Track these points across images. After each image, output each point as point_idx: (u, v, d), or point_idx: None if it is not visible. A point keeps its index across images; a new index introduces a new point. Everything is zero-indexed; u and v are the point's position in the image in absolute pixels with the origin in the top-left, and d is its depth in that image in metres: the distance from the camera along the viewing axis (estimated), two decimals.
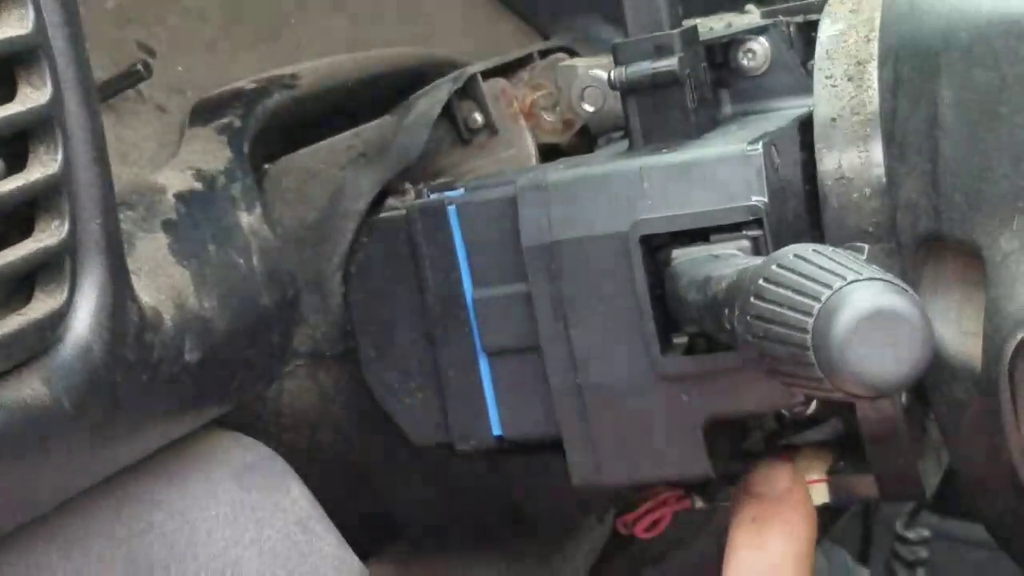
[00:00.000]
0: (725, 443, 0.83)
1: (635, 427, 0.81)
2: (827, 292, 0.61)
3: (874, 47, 0.81)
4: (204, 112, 0.90)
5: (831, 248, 0.65)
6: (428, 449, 0.90)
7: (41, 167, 0.68)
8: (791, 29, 0.89)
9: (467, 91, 0.95)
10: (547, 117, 0.96)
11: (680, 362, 0.79)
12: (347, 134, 0.94)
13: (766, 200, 0.76)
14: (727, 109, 0.90)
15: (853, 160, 0.80)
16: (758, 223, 0.76)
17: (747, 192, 0.77)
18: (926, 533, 1.59)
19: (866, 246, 0.77)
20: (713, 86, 0.88)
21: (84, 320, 0.70)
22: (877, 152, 0.80)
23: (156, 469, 0.81)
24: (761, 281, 0.64)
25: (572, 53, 1.06)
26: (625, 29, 0.84)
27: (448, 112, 0.94)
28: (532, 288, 0.82)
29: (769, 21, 0.89)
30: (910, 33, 0.79)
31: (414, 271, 0.86)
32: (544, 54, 1.02)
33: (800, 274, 0.62)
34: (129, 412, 0.73)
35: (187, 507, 0.81)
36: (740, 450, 0.86)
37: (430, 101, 0.93)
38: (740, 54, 0.89)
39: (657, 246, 0.79)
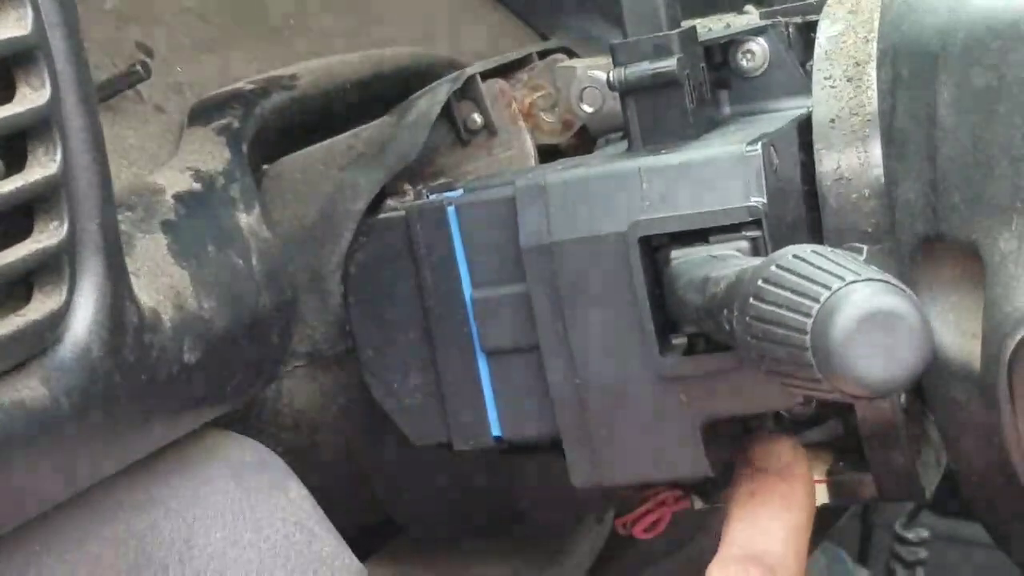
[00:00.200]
0: (724, 443, 0.83)
1: (634, 427, 0.81)
2: (826, 293, 0.61)
3: (873, 48, 0.81)
4: (203, 113, 0.90)
5: (830, 249, 0.65)
6: (427, 449, 0.90)
7: (40, 168, 0.67)
8: (790, 30, 0.89)
9: (466, 92, 0.94)
10: (546, 118, 0.96)
11: (679, 363, 0.79)
12: (346, 135, 0.94)
13: (765, 201, 0.76)
14: (726, 110, 0.90)
15: (852, 161, 0.80)
16: (757, 224, 0.76)
17: (746, 193, 0.77)
18: (925, 533, 1.59)
19: (865, 247, 0.77)
20: (712, 87, 0.88)
21: (83, 321, 0.70)
22: (876, 153, 0.80)
23: (155, 469, 0.80)
24: (760, 282, 0.64)
25: (571, 54, 1.06)
26: (624, 30, 0.84)
27: (447, 113, 0.94)
28: (531, 288, 0.82)
29: (768, 22, 0.89)
30: (909, 33, 0.79)
31: (413, 272, 0.86)
32: (543, 55, 1.02)
33: (799, 275, 0.62)
34: (128, 412, 0.73)
35: (186, 507, 0.81)
36: (739, 450, 0.86)
37: (429, 102, 0.93)
38: (739, 55, 0.89)
39: (656, 247, 0.79)
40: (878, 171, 0.80)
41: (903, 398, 0.81)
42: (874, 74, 0.80)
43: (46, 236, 0.68)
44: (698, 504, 0.88)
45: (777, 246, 0.71)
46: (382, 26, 1.13)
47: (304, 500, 0.86)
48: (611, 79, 0.84)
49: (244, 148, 0.89)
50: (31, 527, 0.72)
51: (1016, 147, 0.74)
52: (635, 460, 0.82)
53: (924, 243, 0.78)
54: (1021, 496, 0.79)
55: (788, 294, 0.62)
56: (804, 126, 0.82)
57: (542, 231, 0.81)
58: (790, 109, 0.87)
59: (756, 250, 0.76)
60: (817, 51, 0.83)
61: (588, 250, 0.80)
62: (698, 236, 0.77)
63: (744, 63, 0.89)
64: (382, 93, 1.00)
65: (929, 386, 0.80)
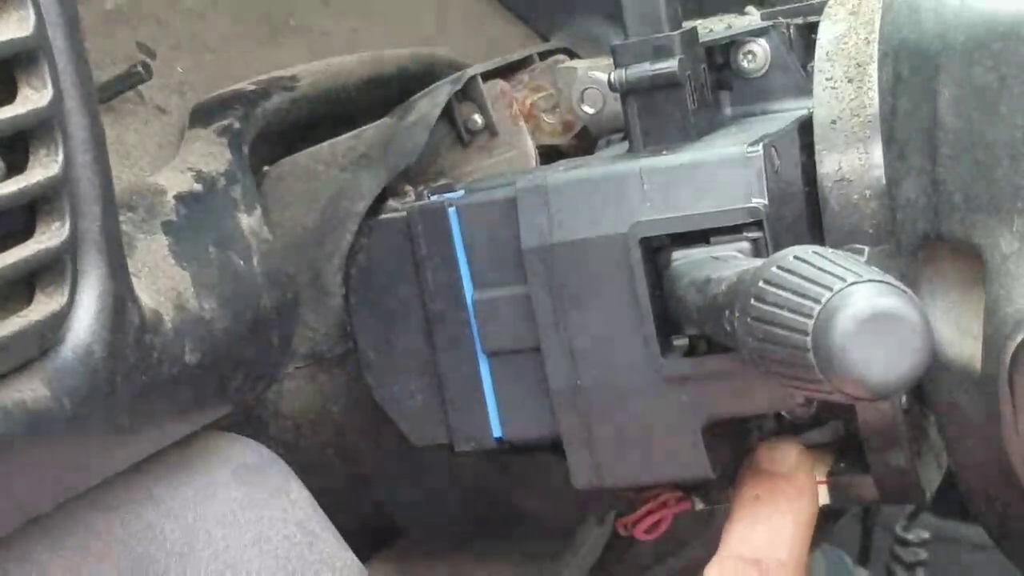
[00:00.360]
0: (725, 444, 0.83)
1: (635, 428, 0.81)
2: (827, 294, 0.61)
3: (874, 49, 0.81)
4: (204, 114, 0.90)
5: (831, 250, 0.65)
6: (428, 450, 0.90)
7: (41, 168, 0.68)
8: (791, 31, 0.89)
9: (467, 93, 0.95)
10: (547, 119, 0.96)
11: (680, 364, 0.79)
12: (347, 136, 0.94)
13: (766, 202, 0.76)
14: (727, 111, 0.90)
15: (853, 162, 0.80)
16: (758, 225, 0.76)
17: (747, 194, 0.77)
18: (926, 535, 1.59)
19: (866, 248, 0.77)
20: (713, 88, 0.88)
21: (84, 321, 0.70)
22: (877, 154, 0.80)
23: (156, 470, 0.81)
24: (761, 283, 0.64)
25: (572, 55, 1.06)
26: (625, 30, 0.84)
27: (448, 114, 0.94)
28: (532, 289, 0.82)
29: (769, 23, 0.89)
30: (910, 34, 0.79)
31: (414, 272, 0.86)
32: (544, 56, 1.02)
33: (800, 276, 0.62)
34: (129, 413, 0.73)
35: (187, 508, 0.81)
36: (740, 451, 0.86)
37: (430, 103, 0.93)
38: (740, 56, 0.89)
39: (657, 248, 0.79)
40: (879, 172, 0.80)
41: (903, 399, 0.81)
42: (875, 75, 0.80)
43: (48, 237, 0.68)
44: (699, 505, 0.88)
45: (778, 247, 0.71)
46: (383, 27, 1.13)
47: (305, 501, 0.86)
48: (612, 80, 0.84)
49: (245, 149, 0.89)
50: (33, 528, 0.72)
51: (1017, 147, 0.74)
52: (636, 461, 0.82)
53: (925, 244, 0.78)
54: (1021, 497, 0.79)
55: (789, 295, 0.62)
56: (805, 127, 0.82)
57: (543, 232, 0.81)
58: (791, 110, 0.87)
59: (757, 251, 0.76)
60: (818, 52, 0.83)
61: (589, 251, 0.80)
62: (699, 237, 0.77)
63: (745, 64, 0.89)
64: (383, 94, 1.01)
65: (930, 387, 0.80)
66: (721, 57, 0.89)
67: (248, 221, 0.86)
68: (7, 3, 0.66)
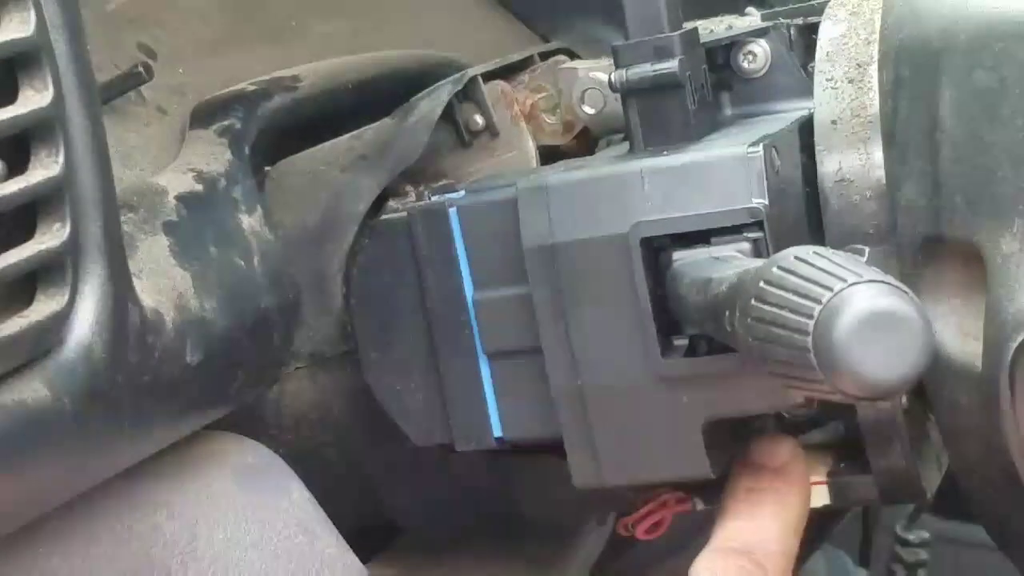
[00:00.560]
0: (726, 444, 0.83)
1: (636, 428, 0.81)
2: (827, 294, 0.61)
3: (874, 49, 0.81)
4: (205, 114, 0.90)
5: (831, 250, 0.65)
6: (429, 450, 0.90)
7: (42, 169, 0.68)
8: (791, 31, 0.89)
9: (468, 93, 0.94)
10: (548, 119, 0.96)
11: (680, 364, 0.79)
12: (348, 136, 0.94)
13: (766, 202, 0.76)
14: (727, 111, 0.90)
15: (853, 162, 0.80)
16: (758, 225, 0.76)
17: (747, 194, 0.77)
18: (926, 535, 1.59)
19: (866, 248, 0.77)
20: (713, 88, 0.88)
21: (85, 322, 0.70)
22: (878, 154, 0.80)
23: (157, 471, 0.81)
24: (762, 283, 0.64)
25: (572, 55, 1.06)
26: (625, 31, 0.84)
27: (449, 114, 0.94)
28: (533, 290, 0.82)
29: (769, 23, 0.89)
30: (910, 35, 0.79)
31: (415, 273, 0.87)
32: (544, 56, 1.02)
33: (801, 276, 0.62)
34: (130, 414, 0.73)
35: (188, 509, 0.81)
36: (740, 451, 0.86)
37: (431, 103, 0.93)
38: (740, 56, 0.89)
39: (658, 248, 0.79)
40: (880, 172, 0.80)
41: (904, 399, 0.81)
42: (876, 75, 0.81)
43: (49, 237, 0.68)
44: (699, 505, 0.88)
45: (779, 247, 0.71)
46: (384, 27, 1.13)
47: (306, 501, 0.86)
48: (612, 80, 0.84)
49: (246, 149, 0.89)
50: (34, 528, 0.72)
51: (1018, 149, 0.74)
52: (636, 461, 0.82)
53: (926, 244, 0.78)
54: (1022, 497, 0.79)
55: (790, 295, 0.62)
56: (806, 127, 0.82)
57: (544, 232, 0.81)
58: (792, 111, 0.87)
59: (758, 251, 0.76)
60: (819, 52, 0.83)
61: (590, 251, 0.80)
62: (700, 237, 0.77)
63: (746, 65, 0.89)
64: (384, 94, 1.00)
65: (930, 387, 0.80)
66: (722, 57, 0.90)
67: (249, 221, 0.86)
68: (8, 4, 0.66)
